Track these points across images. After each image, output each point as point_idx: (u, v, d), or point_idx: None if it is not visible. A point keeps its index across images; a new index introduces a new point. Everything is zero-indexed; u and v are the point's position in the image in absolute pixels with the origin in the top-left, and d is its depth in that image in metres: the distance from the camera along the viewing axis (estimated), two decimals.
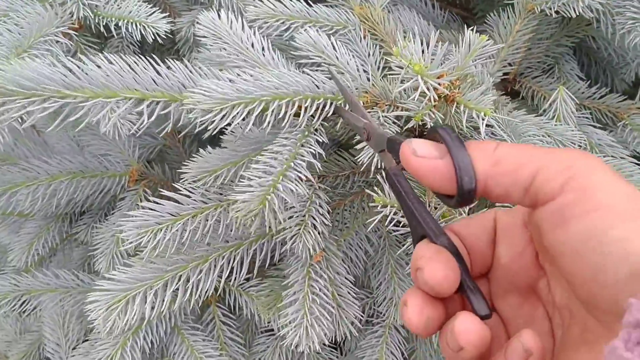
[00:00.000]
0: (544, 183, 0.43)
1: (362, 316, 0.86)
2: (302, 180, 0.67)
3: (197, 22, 0.80)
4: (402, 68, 0.69)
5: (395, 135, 0.59)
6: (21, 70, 0.59)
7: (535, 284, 0.50)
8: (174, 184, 0.76)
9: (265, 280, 0.89)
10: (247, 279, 0.88)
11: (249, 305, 0.91)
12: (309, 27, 0.84)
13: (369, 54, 0.88)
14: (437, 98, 0.70)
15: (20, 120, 0.61)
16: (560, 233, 0.42)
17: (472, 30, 0.73)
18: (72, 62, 0.62)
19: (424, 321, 0.46)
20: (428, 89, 0.67)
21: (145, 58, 0.66)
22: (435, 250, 0.47)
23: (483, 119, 0.71)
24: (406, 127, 0.75)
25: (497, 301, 0.51)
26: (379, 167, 0.71)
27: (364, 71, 0.80)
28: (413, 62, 0.67)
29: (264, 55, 0.78)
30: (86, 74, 0.61)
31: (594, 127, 0.96)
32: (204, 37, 0.79)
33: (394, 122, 0.74)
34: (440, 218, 0.72)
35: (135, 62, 0.65)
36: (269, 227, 0.67)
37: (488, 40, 0.72)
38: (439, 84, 0.68)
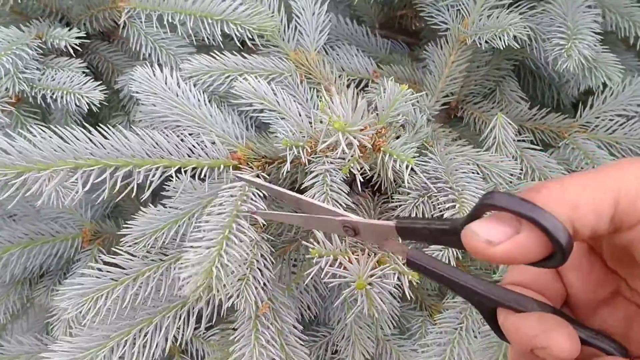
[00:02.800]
0: (630, 206, 0.41)
1: None
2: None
3: (131, 79, 0.82)
4: (322, 123, 0.71)
5: (405, 220, 0.53)
6: None
7: (616, 289, 0.49)
8: (113, 248, 0.77)
9: (217, 330, 0.90)
10: (197, 328, 0.88)
11: (211, 354, 0.92)
12: (245, 77, 0.85)
13: (307, 99, 0.89)
14: (360, 151, 0.71)
15: None
16: None
17: (392, 80, 0.74)
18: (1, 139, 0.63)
19: None
20: (350, 143, 0.69)
21: (94, 126, 0.67)
22: (545, 321, 0.45)
23: (407, 167, 0.73)
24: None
25: (591, 320, 0.50)
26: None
27: (306, 116, 0.81)
28: (333, 119, 0.69)
29: (200, 109, 0.80)
30: (18, 150, 0.62)
31: (534, 149, 0.98)
32: (138, 92, 0.80)
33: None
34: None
35: (69, 132, 0.65)
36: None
37: (408, 89, 0.74)
38: (363, 136, 0.70)
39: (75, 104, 0.89)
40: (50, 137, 0.64)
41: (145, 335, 0.77)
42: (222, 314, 0.81)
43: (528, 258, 0.41)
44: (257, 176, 0.77)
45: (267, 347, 0.77)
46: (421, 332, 1.00)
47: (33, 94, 0.91)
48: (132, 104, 1.04)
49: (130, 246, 0.77)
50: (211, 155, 0.75)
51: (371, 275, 0.69)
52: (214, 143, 0.76)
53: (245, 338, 0.78)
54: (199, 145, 0.74)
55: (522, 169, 0.94)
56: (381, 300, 0.70)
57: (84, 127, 0.66)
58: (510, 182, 0.87)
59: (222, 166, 0.76)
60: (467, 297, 0.51)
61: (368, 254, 0.72)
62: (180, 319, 0.79)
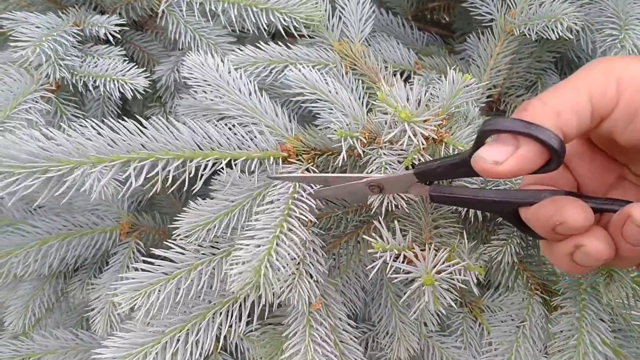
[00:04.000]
0: (602, 98, 0.48)
1: None
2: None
3: (183, 65, 0.79)
4: (387, 114, 0.69)
5: (423, 167, 0.60)
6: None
7: (621, 175, 0.57)
8: (166, 241, 0.75)
9: (266, 326, 0.88)
10: (248, 323, 0.87)
11: (251, 351, 0.90)
12: (291, 69, 0.84)
13: (352, 90, 0.87)
14: (424, 142, 0.69)
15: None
16: (637, 123, 0.48)
17: (455, 69, 0.72)
18: (52, 131, 0.61)
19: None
20: (415, 134, 0.67)
21: (130, 118, 0.65)
22: (558, 201, 0.51)
23: None
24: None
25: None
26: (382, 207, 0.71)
27: (359, 106, 0.79)
28: (399, 109, 0.67)
29: (250, 98, 0.78)
30: (67, 141, 0.60)
31: None
32: (189, 79, 0.78)
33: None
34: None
35: (121, 124, 0.63)
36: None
37: (472, 78, 0.72)
38: (427, 127, 0.68)
39: (119, 91, 0.86)
40: (103, 130, 0.62)
41: (198, 332, 0.75)
42: (273, 309, 0.80)
43: (531, 167, 0.48)
44: (307, 170, 0.75)
45: (321, 344, 0.75)
46: (462, 328, 0.98)
47: (74, 81, 0.88)
48: (169, 95, 1.02)
49: (182, 239, 0.75)
50: (260, 147, 0.73)
51: (439, 272, 0.67)
52: (262, 133, 0.73)
53: (299, 335, 0.76)
54: (248, 136, 0.72)
55: None
56: (447, 297, 0.68)
57: (123, 119, 0.64)
58: None
59: (271, 158, 0.74)
60: (490, 210, 0.59)
61: (435, 250, 0.70)
62: (232, 315, 0.77)
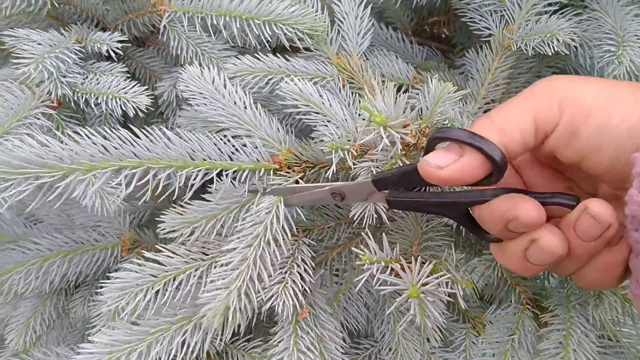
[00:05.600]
0: (544, 116, 0.51)
1: None
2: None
3: (181, 77, 0.80)
4: (364, 120, 0.69)
5: (379, 175, 0.63)
6: None
7: (570, 187, 0.59)
8: (156, 245, 0.76)
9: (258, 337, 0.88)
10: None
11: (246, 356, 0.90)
12: (292, 78, 0.84)
13: (349, 104, 0.88)
14: (403, 148, 0.70)
15: None
16: (576, 142, 0.50)
17: (436, 78, 0.73)
18: (45, 138, 0.61)
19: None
20: (393, 140, 0.67)
21: (125, 128, 0.66)
22: (512, 197, 0.53)
23: None
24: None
25: None
26: (367, 217, 0.71)
27: (351, 119, 0.79)
28: (374, 114, 0.67)
29: (245, 111, 0.79)
30: (60, 149, 0.61)
31: None
32: (185, 92, 0.80)
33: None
34: None
35: (114, 133, 0.65)
36: None
37: (453, 86, 0.72)
38: (406, 133, 0.68)
39: (121, 108, 0.87)
40: (96, 138, 0.64)
41: (184, 334, 0.75)
42: (262, 318, 0.80)
43: (471, 176, 0.51)
44: (297, 181, 0.76)
45: (306, 352, 0.75)
46: (465, 344, 0.98)
47: (75, 98, 0.89)
48: (171, 111, 1.02)
49: (167, 234, 0.77)
50: (252, 159, 0.75)
51: (425, 284, 0.67)
52: (256, 147, 0.75)
53: (285, 342, 0.76)
54: (241, 147, 0.73)
55: None
56: (434, 310, 0.69)
57: (128, 129, 0.65)
58: None
59: (262, 169, 0.75)
60: (443, 212, 0.60)
61: (422, 262, 0.70)
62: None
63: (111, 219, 0.98)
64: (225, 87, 0.79)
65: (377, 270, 0.69)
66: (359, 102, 0.89)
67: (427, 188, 0.66)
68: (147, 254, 0.75)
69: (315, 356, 0.76)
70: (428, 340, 0.92)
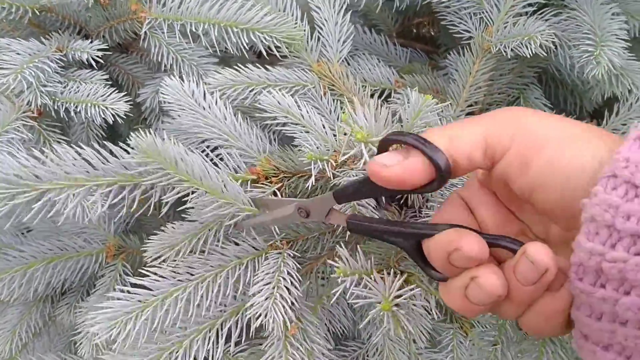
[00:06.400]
0: (496, 141, 0.51)
1: None
2: None
3: (161, 90, 0.81)
4: (346, 134, 0.70)
5: (339, 188, 0.64)
6: None
7: (522, 231, 0.59)
8: (140, 269, 0.76)
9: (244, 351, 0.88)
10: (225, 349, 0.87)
11: None
12: (269, 90, 0.85)
13: (330, 111, 0.88)
14: None
15: None
16: (527, 173, 0.50)
17: (416, 90, 0.73)
18: (23, 156, 0.62)
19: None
20: (373, 154, 0.67)
21: (116, 140, 0.66)
22: (458, 231, 0.54)
23: None
24: None
25: None
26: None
27: (330, 129, 0.80)
28: (355, 129, 0.67)
29: (224, 122, 0.79)
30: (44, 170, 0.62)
31: None
32: (164, 103, 0.81)
33: None
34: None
35: (89, 150, 0.64)
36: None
37: (432, 99, 0.73)
38: None
39: (100, 116, 0.88)
40: (73, 156, 0.64)
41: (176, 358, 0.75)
42: (250, 334, 0.80)
43: (414, 179, 0.52)
44: (274, 193, 0.77)
45: None
46: (453, 344, 0.98)
47: (55, 107, 0.90)
48: (154, 117, 1.03)
49: (152, 261, 0.76)
50: (230, 170, 0.76)
51: (397, 296, 0.67)
52: (230, 155, 0.77)
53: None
54: (218, 159, 0.75)
55: None
56: (408, 321, 0.69)
57: (105, 141, 0.65)
58: None
59: (240, 181, 0.76)
60: (397, 242, 0.59)
61: (394, 274, 0.71)
62: (209, 341, 0.77)
63: (96, 226, 0.99)
64: (205, 98, 0.79)
65: (352, 283, 0.70)
66: (341, 109, 0.89)
67: (394, 214, 0.67)
68: (133, 280, 0.75)
69: None
70: (414, 341, 0.92)
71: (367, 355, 0.93)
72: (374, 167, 0.53)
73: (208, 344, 0.76)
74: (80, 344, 0.90)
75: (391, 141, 0.55)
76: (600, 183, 0.46)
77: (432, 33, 1.30)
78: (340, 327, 0.91)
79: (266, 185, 0.77)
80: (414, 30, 1.31)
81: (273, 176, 0.78)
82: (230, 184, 0.69)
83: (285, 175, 0.78)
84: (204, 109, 0.79)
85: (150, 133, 0.61)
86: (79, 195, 0.63)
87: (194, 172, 0.65)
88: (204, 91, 0.80)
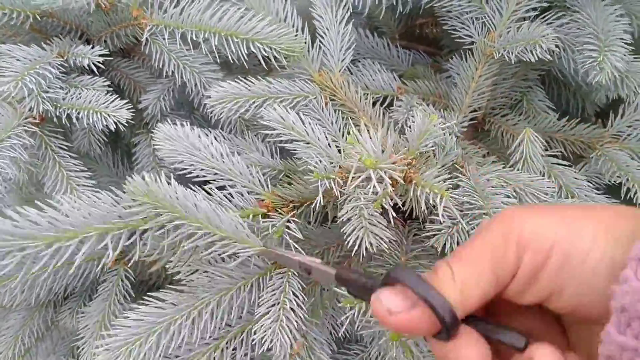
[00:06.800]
0: (503, 265, 0.48)
1: None
2: None
3: (155, 137, 0.80)
4: (353, 158, 0.70)
5: (341, 270, 0.60)
6: None
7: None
8: (144, 297, 0.75)
9: None
10: None
11: None
12: (271, 103, 0.85)
13: (332, 122, 0.88)
14: (392, 185, 0.70)
15: None
16: (536, 286, 0.48)
17: (421, 108, 0.74)
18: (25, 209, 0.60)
19: None
20: (381, 180, 0.67)
21: (118, 144, 0.66)
22: (457, 343, 0.50)
23: (441, 199, 0.71)
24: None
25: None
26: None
27: (335, 146, 0.79)
28: (364, 156, 0.67)
29: (223, 161, 0.79)
30: (48, 221, 0.60)
31: (562, 164, 0.96)
32: (162, 152, 0.79)
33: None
34: None
35: (96, 197, 0.64)
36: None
37: (439, 119, 0.72)
38: (394, 171, 0.68)
39: (102, 123, 0.88)
40: (79, 205, 0.63)
41: None
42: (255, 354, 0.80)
43: (420, 330, 0.49)
44: (288, 221, 0.77)
45: None
46: None
47: (57, 114, 0.90)
48: (155, 122, 1.03)
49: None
50: (239, 207, 0.75)
51: None
52: (242, 195, 0.76)
53: None
54: (226, 197, 0.74)
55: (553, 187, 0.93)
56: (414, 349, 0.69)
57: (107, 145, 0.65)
58: (545, 202, 0.85)
59: (251, 215, 0.76)
60: None
61: None
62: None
63: None
64: (200, 139, 0.79)
65: (359, 312, 0.70)
66: (342, 119, 0.89)
67: None
68: (135, 306, 0.74)
69: None
70: (417, 344, 0.93)
71: (370, 358, 0.94)
72: (378, 311, 0.50)
73: None
74: (81, 350, 0.90)
75: (396, 280, 0.51)
76: (630, 266, 0.42)
77: (436, 33, 1.29)
78: (343, 331, 0.91)
79: (278, 216, 0.77)
80: (418, 31, 1.30)
81: (282, 206, 0.78)
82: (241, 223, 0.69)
83: (294, 204, 0.79)
84: (200, 150, 0.78)
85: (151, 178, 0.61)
86: (89, 242, 0.62)
87: (209, 218, 0.65)
88: (199, 134, 0.79)
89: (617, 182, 0.96)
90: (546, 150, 0.95)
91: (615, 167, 0.96)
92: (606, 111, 1.05)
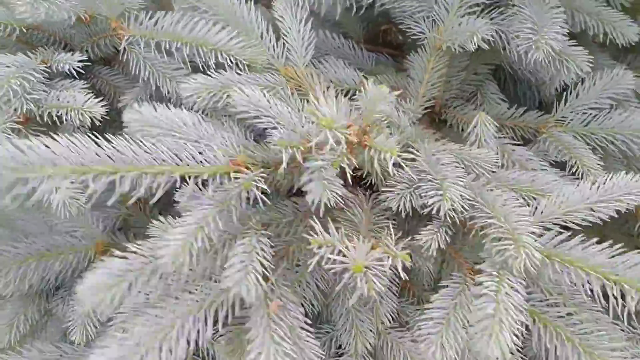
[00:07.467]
0: None
1: (323, 355, 0.89)
2: None
3: (126, 122, 0.84)
4: (312, 122, 0.77)
5: None
6: None
7: None
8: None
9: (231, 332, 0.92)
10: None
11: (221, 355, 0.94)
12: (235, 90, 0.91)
13: (298, 109, 0.96)
14: (348, 147, 0.77)
15: None
16: None
17: (372, 80, 0.81)
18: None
19: None
20: (338, 140, 0.74)
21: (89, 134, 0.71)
22: None
23: (390, 158, 0.78)
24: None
25: None
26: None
27: (297, 119, 0.87)
28: (320, 117, 0.74)
29: (197, 128, 0.85)
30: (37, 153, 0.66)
31: (514, 144, 1.05)
32: (134, 130, 0.83)
33: None
34: None
35: (79, 140, 0.69)
36: None
37: (386, 88, 0.80)
38: (349, 133, 0.75)
39: (79, 120, 0.96)
40: (61, 144, 0.68)
41: (170, 341, 0.76)
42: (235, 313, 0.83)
43: None
44: (255, 179, 0.82)
45: (281, 343, 0.78)
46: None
47: (40, 113, 0.98)
48: None
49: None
50: (212, 163, 0.79)
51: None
52: (215, 155, 0.80)
53: (261, 336, 0.79)
54: (200, 154, 0.78)
55: (503, 163, 1.02)
56: (379, 284, 0.74)
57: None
58: (493, 172, 0.93)
59: (222, 172, 0.80)
60: None
61: (363, 241, 0.77)
62: (199, 321, 0.79)
63: (86, 225, 1.06)
64: (170, 110, 0.84)
65: (326, 252, 0.76)
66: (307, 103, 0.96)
67: None
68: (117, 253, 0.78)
69: (290, 345, 0.80)
70: (382, 322, 0.98)
71: (339, 335, 0.99)
72: None
73: (198, 323, 0.79)
74: (72, 330, 0.97)
75: None
76: None
77: (399, 39, 1.37)
78: (313, 310, 0.97)
79: (247, 174, 0.81)
80: (381, 37, 1.38)
81: (253, 165, 0.84)
82: None
83: (264, 164, 0.85)
84: (172, 122, 0.83)
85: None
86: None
87: None
88: (167, 106, 0.85)
89: (562, 159, 1.05)
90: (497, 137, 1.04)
91: (560, 147, 1.05)
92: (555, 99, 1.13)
